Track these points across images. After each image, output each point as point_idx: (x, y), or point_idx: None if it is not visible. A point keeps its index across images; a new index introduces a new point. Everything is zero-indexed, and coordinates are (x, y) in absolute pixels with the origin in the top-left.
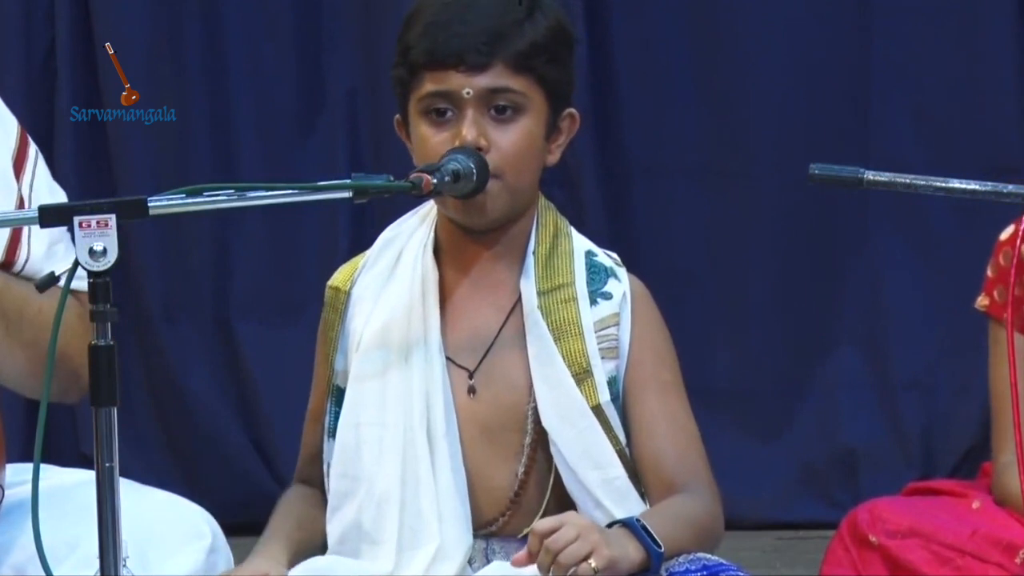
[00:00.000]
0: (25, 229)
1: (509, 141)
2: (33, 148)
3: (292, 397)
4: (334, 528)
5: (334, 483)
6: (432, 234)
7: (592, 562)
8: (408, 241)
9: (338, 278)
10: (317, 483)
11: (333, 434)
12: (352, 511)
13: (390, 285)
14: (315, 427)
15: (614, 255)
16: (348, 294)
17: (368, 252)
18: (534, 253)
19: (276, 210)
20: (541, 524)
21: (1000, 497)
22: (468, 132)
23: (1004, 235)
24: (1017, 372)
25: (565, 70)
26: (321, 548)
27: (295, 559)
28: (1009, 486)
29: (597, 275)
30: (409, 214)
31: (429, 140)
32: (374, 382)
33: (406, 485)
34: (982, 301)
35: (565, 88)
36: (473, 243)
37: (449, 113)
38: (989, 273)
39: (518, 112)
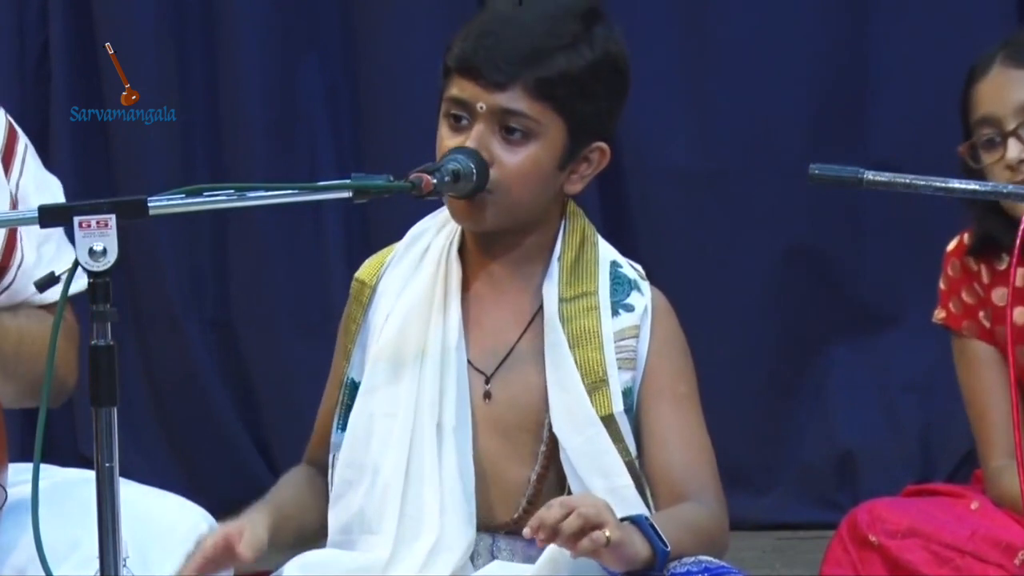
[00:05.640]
0: (19, 233)
1: (513, 163)
2: (22, 143)
3: (293, 396)
4: (337, 517)
5: (339, 471)
6: (459, 231)
7: (607, 531)
8: (436, 236)
9: (365, 271)
10: (324, 467)
11: (343, 426)
12: (356, 500)
13: (414, 279)
14: (328, 415)
15: (638, 267)
16: (374, 288)
17: (397, 245)
18: (559, 259)
19: (279, 210)
20: (563, 498)
21: (997, 500)
22: (470, 145)
23: (950, 247)
24: (996, 378)
25: (598, 105)
26: (313, 533)
27: (278, 532)
28: (1006, 488)
29: (621, 286)
30: (441, 208)
31: (443, 141)
32: (390, 373)
33: (410, 475)
34: (939, 314)
35: (594, 122)
36: (496, 245)
37: (465, 120)
38: (941, 286)
39: (528, 137)
